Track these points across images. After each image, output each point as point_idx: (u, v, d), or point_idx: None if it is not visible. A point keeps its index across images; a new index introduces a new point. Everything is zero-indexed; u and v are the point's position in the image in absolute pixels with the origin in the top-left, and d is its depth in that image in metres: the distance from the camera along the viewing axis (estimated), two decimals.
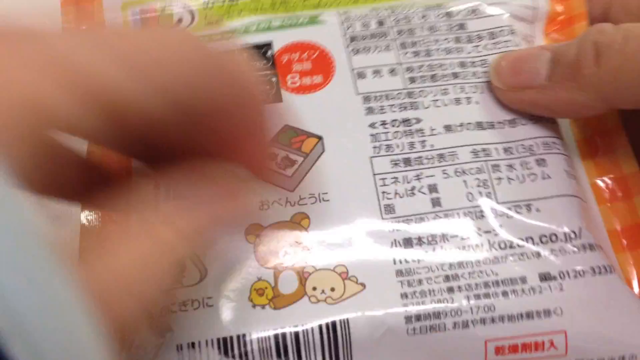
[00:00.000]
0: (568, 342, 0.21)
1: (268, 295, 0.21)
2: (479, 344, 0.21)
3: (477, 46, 0.25)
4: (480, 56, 0.25)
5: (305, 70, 0.24)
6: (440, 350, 0.20)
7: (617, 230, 0.23)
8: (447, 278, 0.21)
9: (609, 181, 0.24)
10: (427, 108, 0.23)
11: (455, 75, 0.24)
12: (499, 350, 0.21)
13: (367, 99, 0.24)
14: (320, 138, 0.23)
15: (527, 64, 0.23)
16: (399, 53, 0.25)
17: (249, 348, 0.20)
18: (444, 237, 0.21)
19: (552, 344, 0.21)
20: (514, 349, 0.21)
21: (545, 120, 0.23)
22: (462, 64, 0.24)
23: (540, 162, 0.23)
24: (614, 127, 0.24)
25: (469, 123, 0.23)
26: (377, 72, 0.24)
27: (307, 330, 0.20)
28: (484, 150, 0.23)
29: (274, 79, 0.24)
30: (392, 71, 0.24)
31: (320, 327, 0.20)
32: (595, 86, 0.21)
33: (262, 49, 0.25)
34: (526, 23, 0.26)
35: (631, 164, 0.24)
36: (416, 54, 0.25)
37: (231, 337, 0.20)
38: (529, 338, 0.21)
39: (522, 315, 0.21)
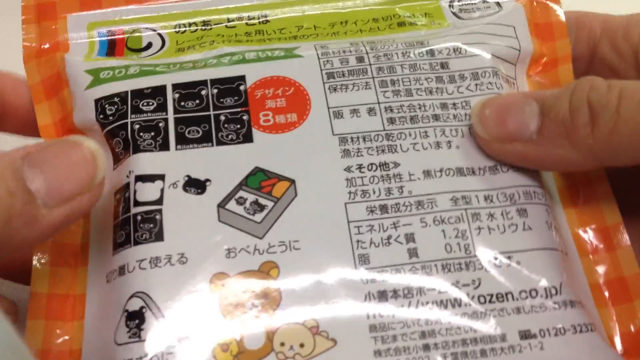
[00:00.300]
0: None
1: (232, 351, 0.19)
2: None
3: (459, 87, 0.24)
4: (462, 97, 0.24)
5: (280, 108, 0.23)
6: None
7: (599, 283, 0.23)
8: (423, 334, 0.20)
9: (591, 232, 0.24)
10: (406, 151, 0.23)
11: (436, 117, 0.23)
12: None
13: (343, 140, 0.23)
14: (292, 182, 0.22)
15: (513, 115, 0.22)
16: (379, 91, 0.24)
17: None
18: (421, 291, 0.21)
19: None
20: None
21: (528, 170, 0.23)
22: (444, 106, 0.24)
23: (522, 213, 0.22)
24: (597, 177, 0.24)
25: (449, 169, 0.22)
26: (355, 112, 0.23)
27: None
28: (463, 197, 0.22)
29: (245, 117, 0.23)
30: (371, 111, 0.23)
31: None
32: (589, 146, 0.20)
33: (235, 82, 0.24)
34: (509, 64, 0.26)
35: (614, 214, 0.23)
36: (396, 93, 0.24)
37: None
38: None
39: None
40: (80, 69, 0.25)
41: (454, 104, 0.24)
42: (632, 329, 0.22)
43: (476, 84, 0.24)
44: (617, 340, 0.22)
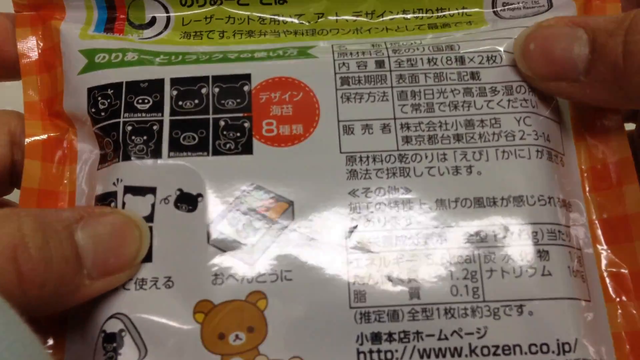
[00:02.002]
0: None
1: None
2: None
3: (490, 102, 0.23)
4: (492, 114, 0.23)
5: (285, 116, 0.23)
6: None
7: (622, 334, 0.22)
8: None
9: (621, 275, 0.22)
10: (419, 176, 0.22)
11: (457, 138, 0.22)
12: None
13: (351, 159, 0.22)
14: (291, 203, 0.21)
15: (561, 52, 0.21)
16: (396, 105, 0.23)
17: None
18: (419, 336, 0.20)
19: None
20: None
21: (556, 202, 0.22)
22: (469, 123, 0.22)
23: (543, 255, 0.21)
24: (636, 215, 0.22)
25: (466, 199, 0.21)
26: (367, 127, 0.22)
27: None
28: (478, 234, 0.21)
29: (246, 124, 0.22)
30: (385, 127, 0.22)
31: None
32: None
33: (239, 82, 0.23)
34: None
35: None
36: (416, 107, 0.23)
37: None
38: None
39: None
40: (75, 48, 0.24)
41: (482, 121, 0.23)
42: None
43: (509, 100, 0.23)
44: None
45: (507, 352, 0.20)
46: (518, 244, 0.21)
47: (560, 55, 0.21)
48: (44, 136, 0.24)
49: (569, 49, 0.21)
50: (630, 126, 0.26)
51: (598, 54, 0.20)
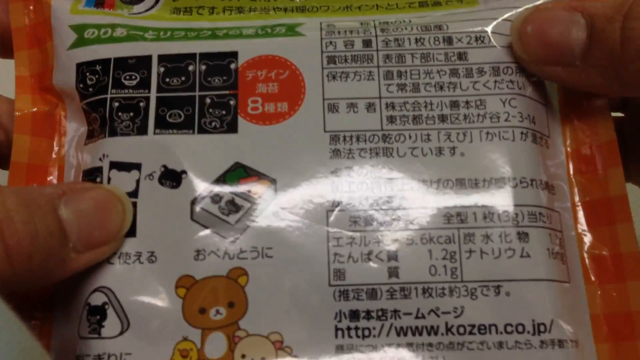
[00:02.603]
0: None
1: (192, 357, 0.20)
2: None
3: (476, 83, 0.23)
4: (477, 95, 0.23)
5: (271, 94, 0.23)
6: None
7: (601, 316, 0.22)
8: None
9: (602, 258, 0.23)
10: (402, 156, 0.22)
11: (442, 119, 0.22)
12: None
13: (335, 138, 0.22)
14: (273, 181, 0.22)
15: (558, 36, 0.21)
16: (382, 84, 0.23)
17: None
18: (396, 314, 0.21)
19: None
20: None
21: (539, 184, 0.22)
22: (454, 104, 0.23)
23: (522, 237, 0.21)
24: (618, 198, 0.23)
25: (449, 180, 0.22)
26: (352, 106, 0.23)
27: None
28: (459, 215, 0.21)
29: (232, 102, 0.23)
30: (370, 106, 0.23)
31: None
32: (637, 81, 0.20)
33: (226, 59, 0.23)
34: None
35: (631, 242, 0.22)
36: (401, 87, 0.23)
37: None
38: None
39: None
40: (65, 23, 0.25)
41: (467, 102, 0.23)
42: None
43: (495, 81, 0.23)
44: None
45: (482, 331, 0.21)
46: (498, 226, 0.22)
47: (556, 39, 0.21)
48: (34, 110, 0.25)
49: (566, 33, 0.21)
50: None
51: (595, 39, 0.20)
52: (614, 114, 0.24)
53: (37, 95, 0.25)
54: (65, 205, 0.20)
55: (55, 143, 0.25)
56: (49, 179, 0.24)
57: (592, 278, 0.22)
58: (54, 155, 0.24)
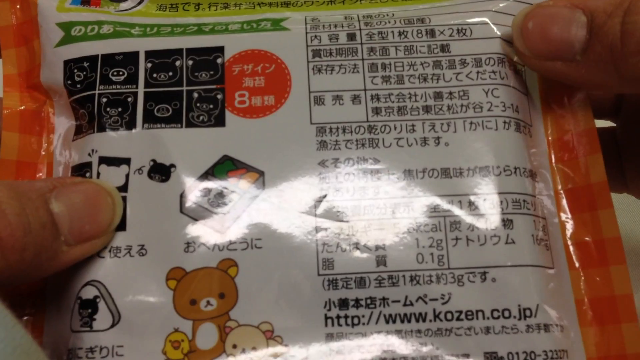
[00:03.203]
0: None
1: (184, 349, 0.21)
2: None
3: (459, 74, 0.24)
4: (461, 86, 0.24)
5: (257, 88, 0.23)
6: None
7: (585, 301, 0.23)
8: (381, 349, 0.21)
9: (585, 244, 0.23)
10: (388, 147, 0.23)
11: (426, 109, 0.23)
12: None
13: (321, 130, 0.23)
14: (261, 174, 0.22)
15: (558, 31, 0.21)
16: (367, 76, 0.23)
17: None
18: (385, 302, 0.21)
19: None
20: None
21: (522, 172, 0.22)
22: (438, 95, 0.23)
23: (507, 224, 0.22)
24: (598, 184, 0.23)
25: (434, 169, 0.22)
26: (337, 98, 0.23)
27: None
28: (444, 203, 0.22)
29: (219, 96, 0.23)
30: (355, 98, 0.23)
31: None
32: (636, 76, 0.20)
33: (212, 54, 0.24)
34: None
35: (613, 227, 0.23)
36: (386, 79, 0.23)
37: None
38: None
39: None
40: (52, 20, 0.25)
41: (450, 93, 0.23)
42: (616, 352, 0.22)
43: (478, 72, 0.24)
44: None
45: (470, 317, 0.21)
46: (483, 213, 0.22)
47: (557, 35, 0.21)
48: (22, 108, 0.25)
49: (567, 29, 0.21)
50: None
51: (595, 35, 0.21)
52: (605, 125, 0.24)
53: (25, 92, 0.25)
54: (56, 199, 0.20)
55: (44, 140, 0.25)
56: (38, 175, 0.24)
57: (576, 263, 0.23)
58: (42, 152, 0.25)
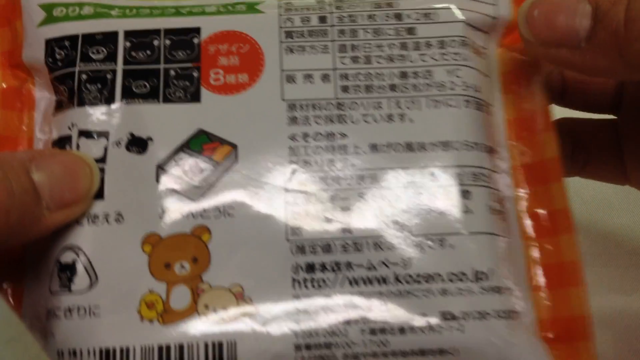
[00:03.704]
0: None
1: (158, 309, 0.22)
2: None
3: (424, 55, 0.25)
4: (425, 66, 0.25)
5: (232, 66, 0.25)
6: None
7: (536, 267, 0.24)
8: (345, 309, 0.22)
9: (537, 215, 0.25)
10: (355, 123, 0.24)
11: (392, 88, 0.25)
12: None
13: (292, 106, 0.24)
14: (234, 147, 0.23)
15: (563, 18, 0.22)
16: (337, 57, 0.25)
17: None
18: (349, 266, 0.23)
19: None
20: None
21: (481, 147, 0.24)
22: (403, 75, 0.25)
23: (465, 194, 0.23)
24: (551, 159, 0.25)
25: (398, 143, 0.24)
26: (308, 77, 0.25)
27: (192, 346, 0.21)
28: (407, 175, 0.23)
29: (195, 74, 0.24)
30: (325, 77, 0.25)
31: (206, 345, 0.22)
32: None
33: (189, 35, 0.25)
34: (482, 33, 0.26)
35: (563, 200, 0.25)
36: (354, 59, 0.25)
37: (114, 349, 0.22)
38: None
39: (415, 352, 0.22)
40: (34, 2, 0.26)
41: (415, 73, 0.25)
42: (564, 315, 0.24)
43: (441, 53, 0.25)
44: (545, 324, 0.24)
45: (428, 280, 0.23)
46: (443, 185, 0.24)
47: (562, 22, 0.22)
48: (4, 85, 0.26)
49: (572, 16, 0.22)
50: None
51: (600, 21, 0.21)
52: (607, 117, 0.25)
53: (8, 71, 0.26)
54: (36, 168, 0.21)
55: (25, 116, 0.26)
56: (18, 149, 0.26)
57: (528, 233, 0.25)
58: (24, 128, 0.26)
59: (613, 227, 0.31)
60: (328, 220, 0.23)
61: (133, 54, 0.25)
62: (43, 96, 0.26)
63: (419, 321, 0.22)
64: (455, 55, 0.25)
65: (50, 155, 0.22)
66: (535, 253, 0.24)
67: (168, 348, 0.22)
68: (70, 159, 0.22)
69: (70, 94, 0.24)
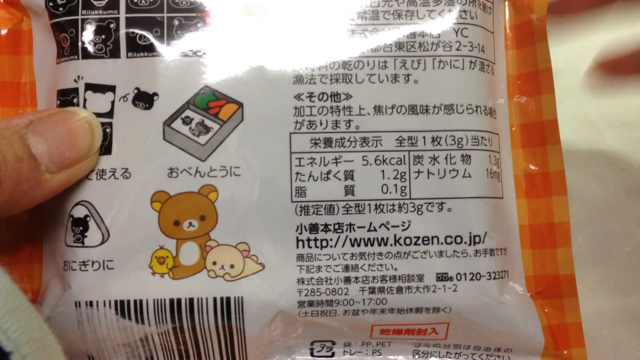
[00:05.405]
0: (449, 331, 0.25)
1: (168, 264, 0.23)
2: (366, 326, 0.25)
3: (432, 12, 0.25)
4: (432, 24, 0.25)
5: None
6: (328, 327, 0.24)
7: (528, 226, 0.26)
8: (346, 268, 0.24)
9: (532, 176, 0.26)
10: (360, 83, 0.25)
11: (399, 46, 0.25)
12: (383, 332, 0.25)
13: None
14: (240, 105, 0.24)
15: None
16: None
17: (145, 312, 0.23)
18: (351, 227, 0.24)
19: (434, 330, 0.25)
20: (398, 331, 0.25)
21: (483, 110, 0.25)
22: (410, 32, 0.25)
23: (466, 159, 0.25)
24: (550, 121, 0.26)
25: (402, 105, 0.25)
26: None
27: (201, 300, 0.23)
28: (410, 138, 0.24)
29: (200, 25, 0.24)
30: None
31: (214, 300, 0.23)
32: None
33: None
34: None
35: (559, 162, 0.26)
36: (361, 15, 0.25)
37: (128, 301, 0.23)
38: (413, 326, 0.25)
39: (411, 310, 0.24)
40: None
41: (423, 31, 0.25)
42: (550, 272, 0.26)
43: (450, 10, 0.25)
44: (534, 282, 0.26)
45: (426, 242, 0.24)
46: (444, 149, 0.25)
47: None
48: (2, 32, 0.26)
49: None
50: None
51: None
52: None
53: (3, 9, 0.26)
54: (32, 133, 0.22)
55: (24, 59, 0.26)
56: (21, 92, 0.26)
57: (523, 193, 0.26)
58: (23, 71, 0.26)
59: (613, 227, 0.32)
60: (332, 182, 0.24)
61: (135, 0, 0.25)
62: (42, 39, 0.26)
63: (415, 281, 0.24)
64: (464, 12, 0.25)
65: (48, 116, 0.22)
66: (528, 213, 0.26)
67: (179, 301, 0.23)
68: (67, 117, 0.23)
69: (73, 43, 0.24)
